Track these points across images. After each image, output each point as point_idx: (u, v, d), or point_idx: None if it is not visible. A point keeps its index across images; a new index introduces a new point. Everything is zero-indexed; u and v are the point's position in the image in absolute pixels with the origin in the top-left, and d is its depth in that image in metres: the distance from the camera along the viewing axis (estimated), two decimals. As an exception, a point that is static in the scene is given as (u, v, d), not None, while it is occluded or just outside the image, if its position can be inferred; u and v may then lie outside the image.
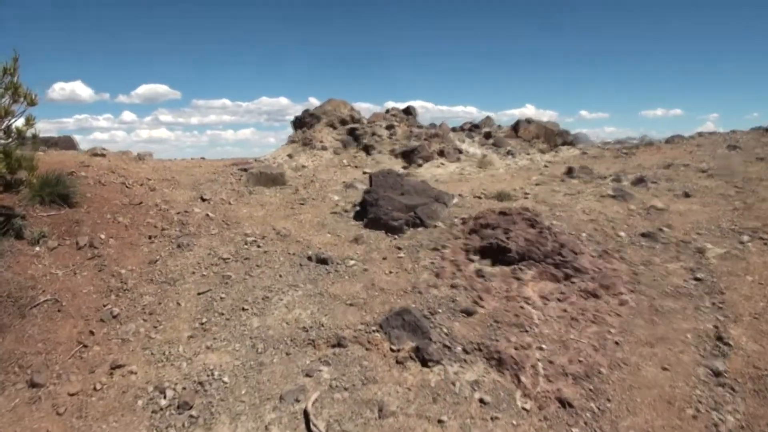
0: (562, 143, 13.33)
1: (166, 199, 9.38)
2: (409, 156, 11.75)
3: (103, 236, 7.72)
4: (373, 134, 12.64)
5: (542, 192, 9.48)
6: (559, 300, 6.36)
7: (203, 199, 9.55)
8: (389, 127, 12.74)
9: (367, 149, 12.52)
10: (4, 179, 6.84)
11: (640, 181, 9.69)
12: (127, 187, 9.78)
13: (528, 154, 12.34)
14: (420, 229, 8.00)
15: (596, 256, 7.09)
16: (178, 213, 8.80)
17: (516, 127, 13.48)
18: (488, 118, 14.43)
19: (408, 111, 13.62)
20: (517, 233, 7.06)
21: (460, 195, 9.14)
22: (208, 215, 8.80)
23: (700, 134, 16.31)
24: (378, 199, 8.24)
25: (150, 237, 7.93)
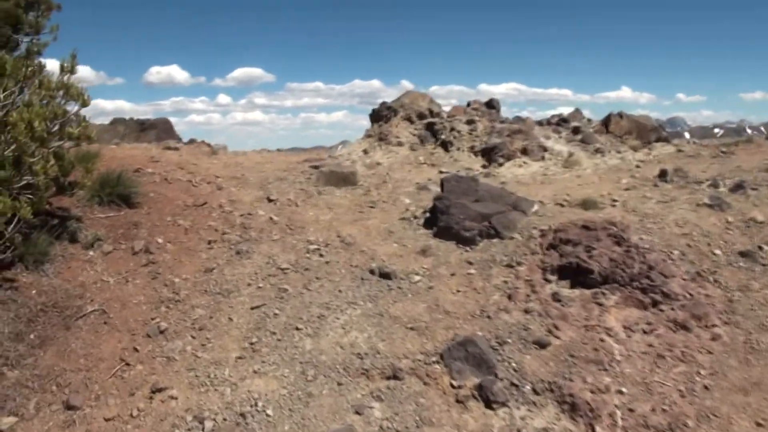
0: (656, 139, 12.36)
1: (232, 199, 9.16)
2: (489, 154, 11.12)
3: (160, 240, 7.53)
4: (452, 129, 12.05)
5: (632, 199, 8.71)
6: (644, 332, 5.71)
7: (269, 200, 9.28)
8: (469, 122, 12.12)
9: (446, 145, 11.95)
10: (58, 181, 6.63)
11: (738, 187, 8.76)
12: (193, 185, 9.61)
13: (619, 152, 11.48)
14: (495, 240, 7.42)
15: (688, 279, 6.36)
16: (241, 215, 8.55)
17: (607, 121, 12.60)
18: (577, 111, 13.57)
19: (491, 104, 12.92)
20: (601, 251, 6.39)
21: (540, 202, 8.48)
22: (271, 218, 8.50)
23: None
24: (450, 206, 7.69)
25: (209, 242, 7.68)
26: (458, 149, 11.76)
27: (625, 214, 7.98)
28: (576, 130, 12.48)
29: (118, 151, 12.02)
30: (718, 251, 6.95)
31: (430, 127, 12.46)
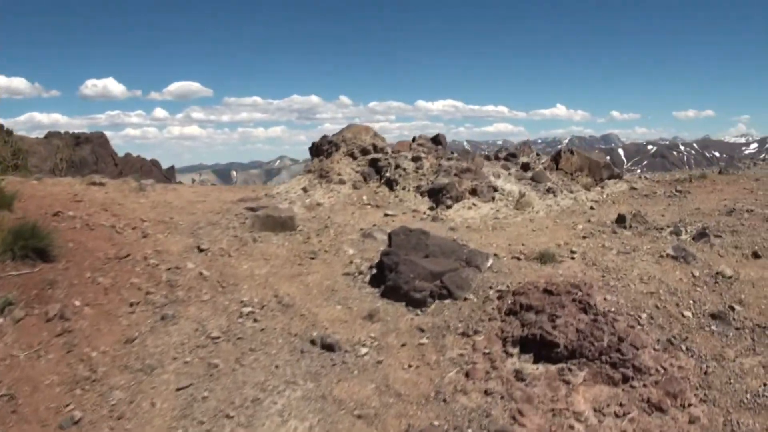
0: (608, 176, 12.02)
1: (158, 249, 8.35)
2: (437, 195, 10.54)
3: (77, 303, 6.67)
4: (397, 167, 11.45)
5: (591, 249, 8.24)
6: (616, 415, 5.16)
7: (200, 249, 8.51)
8: (415, 159, 11.54)
9: (390, 184, 11.34)
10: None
11: (701, 235, 8.40)
12: (117, 231, 8.79)
13: (571, 191, 11.06)
14: (447, 301, 6.82)
15: (660, 349, 5.87)
16: (168, 269, 7.76)
17: (557, 157, 12.20)
18: (526, 145, 13.19)
19: (437, 140, 12.37)
20: (567, 321, 5.84)
21: (495, 255, 7.91)
22: (201, 273, 7.72)
23: (754, 162, 14.91)
24: (398, 264, 7.07)
25: (131, 304, 6.87)
26: (404, 188, 11.15)
27: (586, 269, 7.49)
28: (526, 167, 12.05)
29: (39, 188, 11.04)
30: (687, 313, 6.49)
31: (374, 163, 11.84)
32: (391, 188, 11.29)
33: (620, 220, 9.26)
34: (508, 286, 6.89)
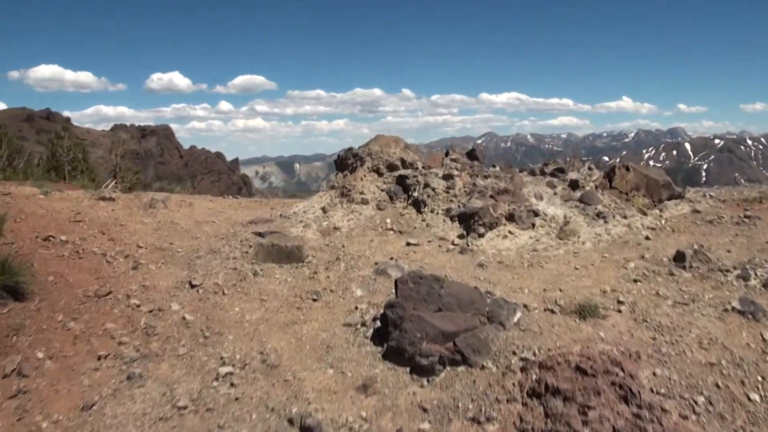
0: (668, 197, 10.59)
1: (146, 284, 7.49)
2: (468, 221, 9.34)
3: (40, 355, 5.85)
4: (426, 186, 10.26)
5: (642, 297, 6.96)
6: None
7: (192, 285, 7.62)
8: (447, 177, 10.32)
9: (418, 205, 10.16)
10: None
11: (777, 282, 7.03)
12: (107, 261, 8.00)
13: (624, 217, 9.69)
14: (461, 369, 5.67)
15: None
16: (150, 311, 6.90)
17: (611, 174, 10.82)
18: (576, 158, 11.84)
19: (473, 155, 11.10)
20: (602, 414, 4.60)
21: (525, 306, 6.67)
22: (184, 318, 6.80)
23: None
24: (404, 319, 5.93)
25: (99, 358, 6.02)
26: (432, 211, 9.97)
27: (635, 327, 6.22)
28: (574, 185, 10.71)
29: (44, 204, 10.33)
30: (755, 396, 5.17)
31: (401, 180, 10.68)
32: (419, 210, 10.12)
33: (679, 257, 7.91)
34: (535, 353, 5.68)
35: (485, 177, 10.32)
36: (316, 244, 9.28)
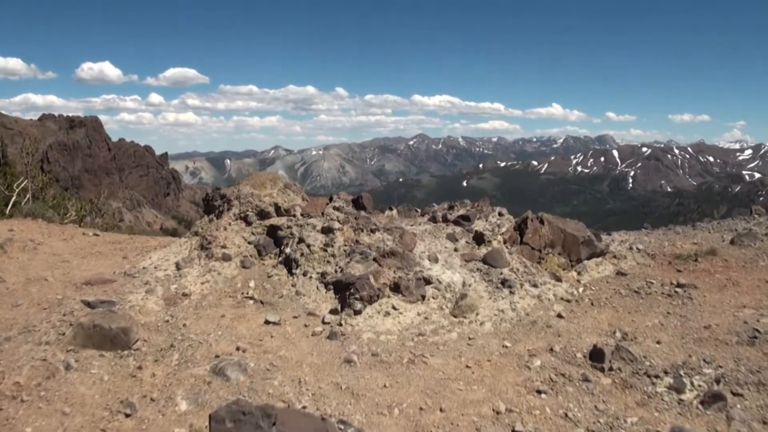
0: (588, 256, 9.08)
1: None
2: (344, 291, 7.58)
3: None
4: (301, 241, 8.47)
5: (546, 423, 5.33)
6: None
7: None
8: (327, 231, 8.54)
9: (290, 264, 8.38)
10: None
11: (715, 397, 5.53)
12: None
13: (535, 285, 8.11)
14: None
15: None
16: None
17: (522, 227, 9.23)
18: (484, 203, 10.22)
19: (359, 203, 9.25)
20: None
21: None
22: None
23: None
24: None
25: None
26: (305, 274, 8.19)
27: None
28: (479, 239, 9.09)
29: None
30: None
31: (273, 231, 8.86)
32: (290, 271, 8.33)
33: (597, 356, 6.35)
34: None
35: (372, 231, 8.56)
36: (154, 320, 7.38)
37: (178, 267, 8.55)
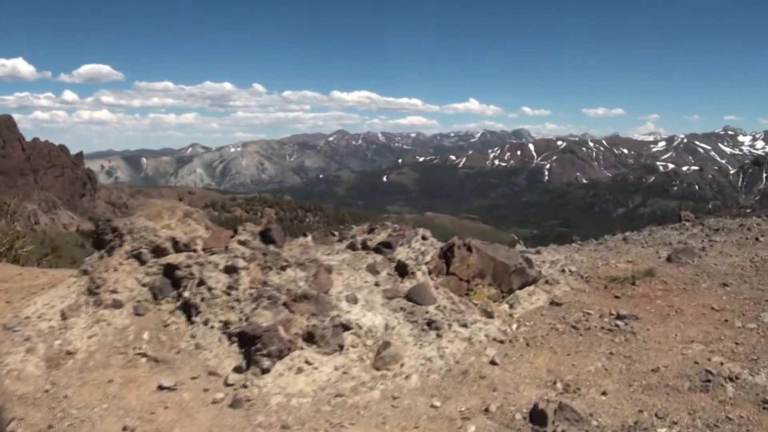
0: (520, 285, 8.37)
1: None
2: (250, 346, 6.62)
3: None
4: (201, 283, 7.43)
5: None
6: None
7: None
8: (230, 270, 7.51)
9: (189, 311, 7.34)
10: None
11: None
12: None
13: (464, 325, 7.34)
14: None
15: None
16: None
17: (448, 255, 8.44)
18: (408, 225, 9.40)
19: (268, 236, 8.22)
20: None
21: None
22: None
23: (708, 237, 11.45)
24: None
25: None
26: (206, 323, 7.16)
27: None
28: (402, 270, 8.26)
29: None
30: None
31: (170, 271, 7.77)
32: (190, 318, 7.29)
33: (538, 418, 5.61)
34: None
35: (282, 269, 7.57)
36: (33, 389, 6.22)
37: (63, 316, 7.39)
